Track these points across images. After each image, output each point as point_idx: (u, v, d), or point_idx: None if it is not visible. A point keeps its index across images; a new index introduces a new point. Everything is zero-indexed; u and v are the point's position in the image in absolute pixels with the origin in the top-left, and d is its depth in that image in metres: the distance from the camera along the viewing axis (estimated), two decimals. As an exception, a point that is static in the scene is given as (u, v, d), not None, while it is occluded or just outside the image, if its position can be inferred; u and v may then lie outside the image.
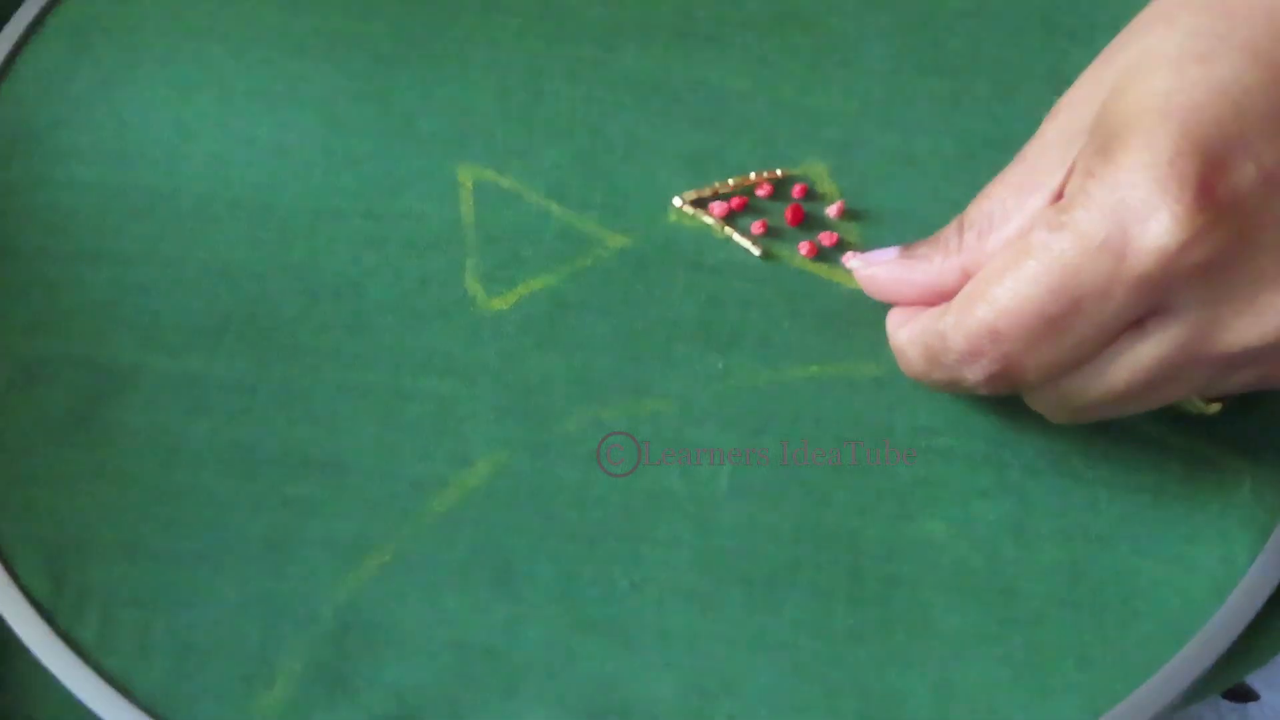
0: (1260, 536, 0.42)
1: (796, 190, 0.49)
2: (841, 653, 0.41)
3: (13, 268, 0.47)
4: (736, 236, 0.48)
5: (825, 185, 0.49)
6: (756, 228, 0.48)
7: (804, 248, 0.48)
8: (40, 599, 0.41)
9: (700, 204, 0.48)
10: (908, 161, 0.49)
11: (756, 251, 0.47)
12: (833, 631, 0.41)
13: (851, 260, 0.45)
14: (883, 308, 0.45)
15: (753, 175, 0.49)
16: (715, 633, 0.41)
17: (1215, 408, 0.45)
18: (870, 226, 0.48)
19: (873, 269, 0.44)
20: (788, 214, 0.48)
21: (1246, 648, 0.42)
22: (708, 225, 0.48)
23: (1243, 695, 0.42)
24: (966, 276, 0.42)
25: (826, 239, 0.48)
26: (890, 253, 0.44)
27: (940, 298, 0.42)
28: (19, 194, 0.48)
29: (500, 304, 0.47)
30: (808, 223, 0.48)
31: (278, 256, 0.47)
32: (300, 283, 0.47)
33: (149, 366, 0.45)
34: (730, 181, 0.49)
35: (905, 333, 0.43)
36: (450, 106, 0.51)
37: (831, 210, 0.48)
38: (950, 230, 0.43)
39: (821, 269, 0.47)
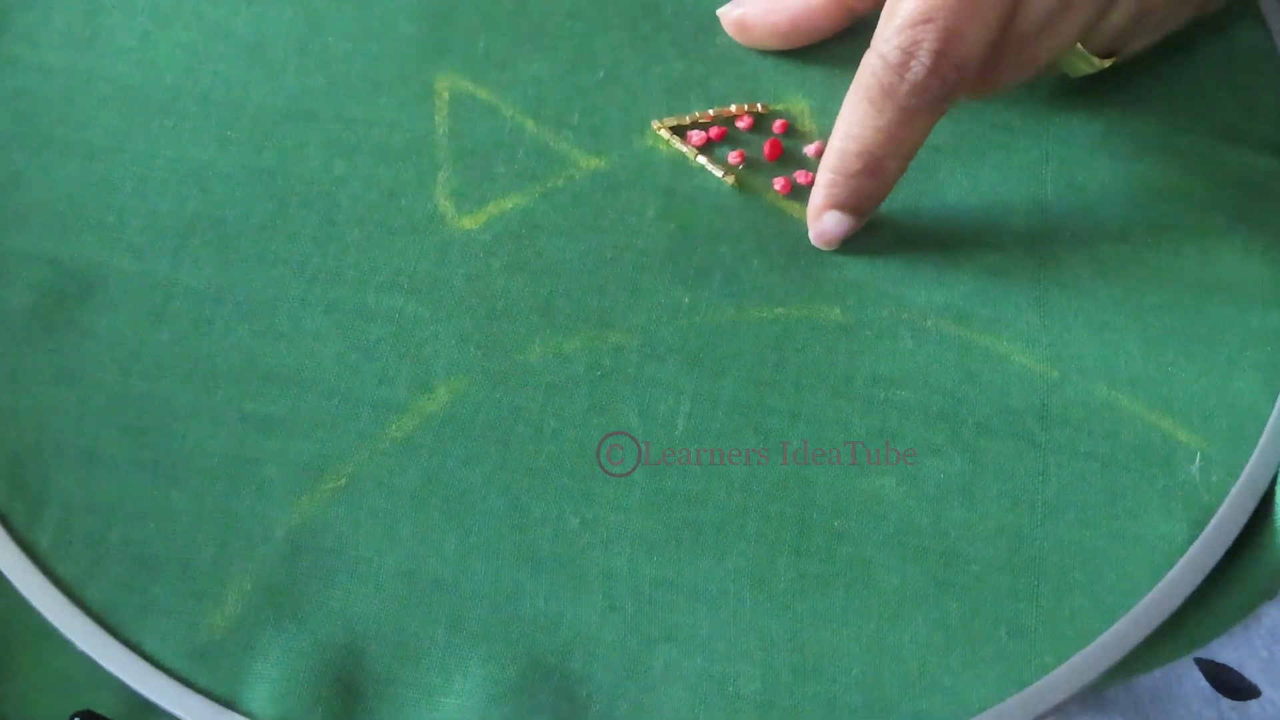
0: (1202, 518, 0.43)
1: (777, 126, 0.48)
2: (781, 606, 0.42)
3: None
4: (710, 165, 0.47)
5: (806, 123, 0.48)
6: (733, 158, 0.48)
7: (778, 183, 0.47)
8: None
9: (679, 131, 0.48)
10: None
11: (729, 181, 0.47)
12: (774, 583, 0.42)
13: (722, 7, 0.49)
14: (851, 249, 0.46)
15: (733, 107, 0.48)
16: (660, 578, 0.42)
17: (1106, 63, 0.46)
18: (848, 166, 0.48)
19: (740, 9, 0.49)
20: (766, 148, 0.48)
21: (1180, 628, 0.43)
22: (683, 152, 0.48)
23: (1244, 692, 0.43)
24: None
25: (802, 177, 0.47)
26: None
27: (811, 26, 0.48)
28: None
29: (470, 223, 0.46)
30: (785, 159, 0.48)
31: (247, 159, 0.47)
32: (269, 188, 0.46)
33: (113, 268, 0.45)
34: (711, 111, 0.48)
35: (846, 109, 0.44)
36: (434, 11, 0.50)
37: (810, 149, 0.48)
38: None
39: (794, 206, 0.47)
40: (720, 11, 0.49)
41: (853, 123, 0.43)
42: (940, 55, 0.41)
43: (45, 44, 0.48)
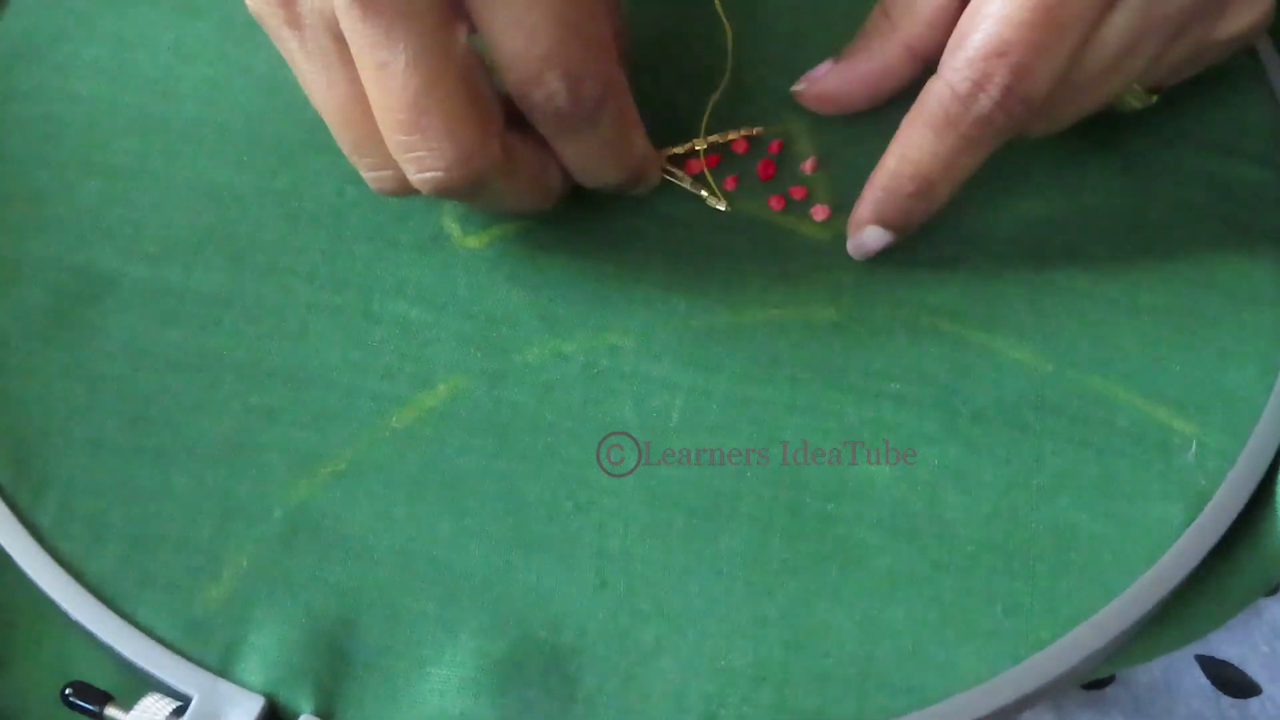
0: (1198, 502, 0.43)
1: (772, 147, 0.50)
2: (773, 583, 0.42)
3: (4, 172, 0.48)
4: (705, 192, 0.49)
5: (801, 143, 0.50)
6: (729, 182, 0.49)
7: (774, 201, 0.49)
8: (1, 483, 0.43)
9: (675, 161, 0.49)
10: (886, 124, 0.50)
11: (723, 207, 0.48)
12: (767, 563, 0.42)
13: (797, 85, 0.50)
14: (845, 254, 0.47)
15: (731, 134, 0.50)
16: (652, 557, 0.42)
17: (1154, 98, 0.47)
18: (840, 180, 0.49)
19: (819, 85, 0.49)
20: (759, 168, 0.49)
21: (1180, 617, 0.43)
22: (682, 180, 0.49)
23: (1245, 689, 0.43)
24: (910, 52, 0.47)
25: (797, 192, 0.49)
26: (826, 65, 0.49)
27: (891, 85, 0.48)
28: (17, 102, 0.50)
29: (474, 242, 0.48)
30: (779, 177, 0.49)
31: (263, 182, 0.49)
32: (282, 208, 0.48)
33: (128, 274, 0.47)
34: (707, 139, 0.50)
35: (905, 131, 0.44)
36: None
37: (805, 165, 0.49)
38: (876, 17, 0.47)
39: (789, 220, 0.48)
40: (797, 90, 0.50)
41: (910, 146, 0.44)
42: (1009, 90, 0.41)
43: (74, 75, 0.50)
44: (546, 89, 0.40)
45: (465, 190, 0.41)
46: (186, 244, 0.47)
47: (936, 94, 0.43)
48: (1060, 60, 0.41)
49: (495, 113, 0.41)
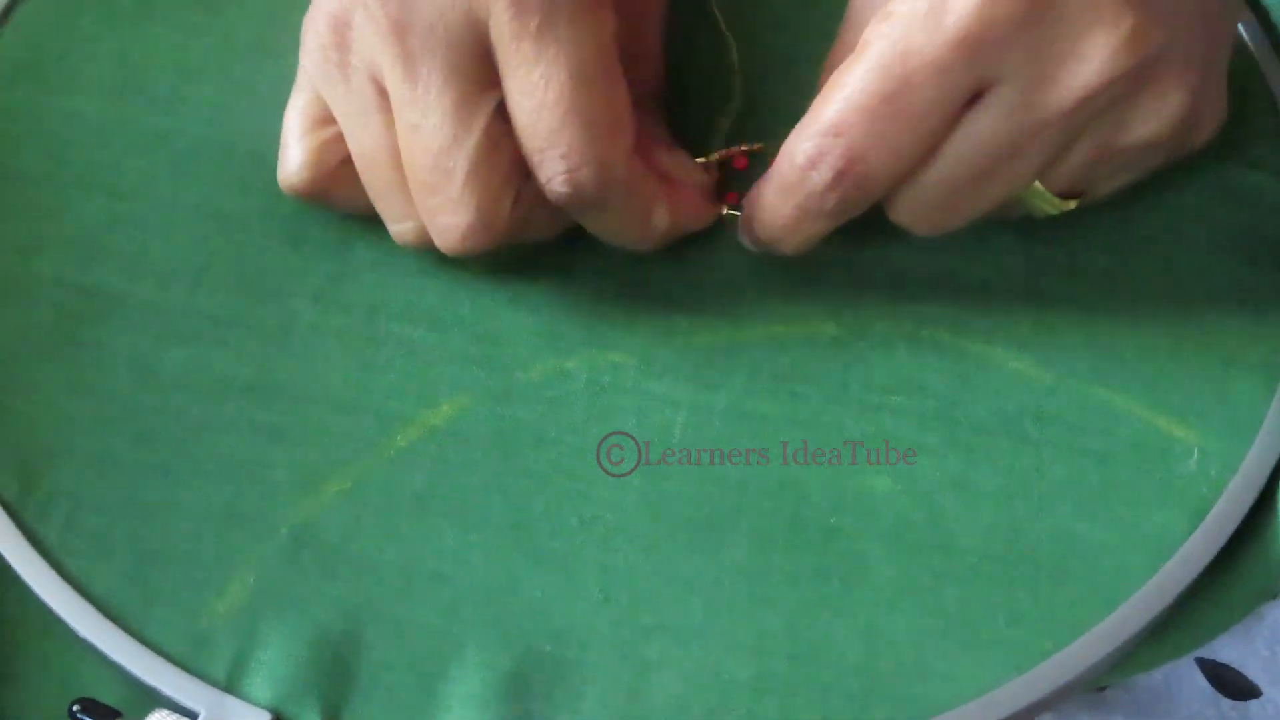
0: (1201, 509, 0.43)
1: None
2: (775, 596, 0.42)
3: (10, 189, 0.49)
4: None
5: (802, 156, 0.50)
6: (729, 198, 0.49)
7: (773, 215, 0.49)
8: (7, 498, 0.43)
9: (674, 177, 0.50)
10: None
11: (723, 214, 0.48)
12: (769, 576, 0.42)
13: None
14: (845, 268, 0.47)
15: (732, 150, 0.50)
16: (655, 571, 0.42)
17: (1071, 204, 0.45)
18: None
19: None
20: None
21: (1182, 624, 0.43)
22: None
23: (1245, 692, 0.43)
24: None
25: (795, 205, 0.49)
26: None
27: None
28: (22, 119, 0.50)
29: (477, 266, 0.48)
30: (778, 189, 0.49)
31: (268, 207, 0.49)
32: (287, 234, 0.48)
33: (133, 293, 0.47)
34: (709, 157, 0.50)
35: (761, 182, 0.44)
36: None
37: None
38: None
39: (788, 234, 0.49)
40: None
41: (762, 196, 0.44)
42: (842, 173, 0.41)
43: (77, 93, 0.51)
44: (546, 170, 0.41)
45: (480, 254, 0.43)
46: (191, 264, 0.48)
47: (781, 158, 0.42)
48: (901, 152, 0.40)
49: (513, 183, 0.42)
